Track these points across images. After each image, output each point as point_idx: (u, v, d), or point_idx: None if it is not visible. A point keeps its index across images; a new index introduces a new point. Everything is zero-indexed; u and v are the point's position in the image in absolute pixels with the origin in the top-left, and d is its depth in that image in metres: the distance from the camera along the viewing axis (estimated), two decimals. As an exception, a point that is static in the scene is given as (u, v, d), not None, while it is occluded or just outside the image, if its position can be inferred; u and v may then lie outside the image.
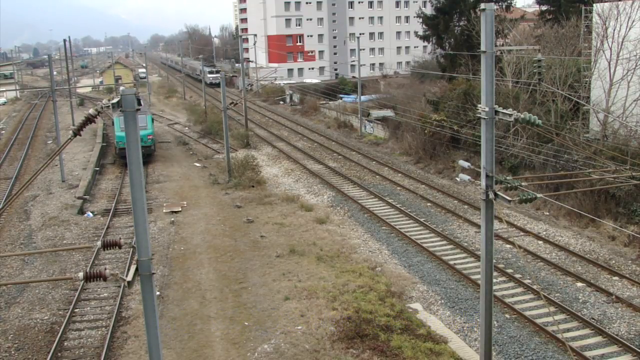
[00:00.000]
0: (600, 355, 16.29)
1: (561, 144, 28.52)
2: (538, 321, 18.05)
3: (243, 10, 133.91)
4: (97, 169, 40.34)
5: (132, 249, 23.85)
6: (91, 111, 8.42)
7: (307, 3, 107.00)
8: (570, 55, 34.45)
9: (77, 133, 8.46)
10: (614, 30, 31.16)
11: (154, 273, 9.30)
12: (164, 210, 30.28)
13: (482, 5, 11.28)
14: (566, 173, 27.33)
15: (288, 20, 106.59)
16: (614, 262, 22.82)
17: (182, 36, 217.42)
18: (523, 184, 12.07)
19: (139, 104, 9.04)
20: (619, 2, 31.84)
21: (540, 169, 31.22)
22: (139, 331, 17.72)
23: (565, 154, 28.94)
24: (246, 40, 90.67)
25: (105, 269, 8.92)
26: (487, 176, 11.82)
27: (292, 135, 52.89)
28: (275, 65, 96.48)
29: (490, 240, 12.28)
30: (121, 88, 9.91)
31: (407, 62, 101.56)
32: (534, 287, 20.08)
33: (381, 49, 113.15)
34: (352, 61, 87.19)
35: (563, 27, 37.39)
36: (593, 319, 18.26)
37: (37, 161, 43.39)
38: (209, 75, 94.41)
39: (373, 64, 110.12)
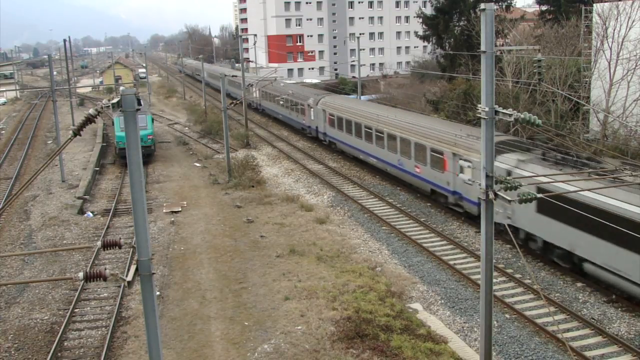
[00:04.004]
0: (600, 355, 16.28)
1: (561, 144, 28.52)
2: (538, 321, 18.05)
3: (243, 10, 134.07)
4: (97, 169, 40.34)
5: (132, 249, 23.84)
6: (91, 111, 8.42)
7: (307, 3, 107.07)
8: (570, 55, 34.47)
9: (77, 133, 8.47)
10: (614, 30, 31.19)
11: (154, 273, 9.30)
12: (164, 210, 30.27)
13: (482, 5, 11.28)
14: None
15: (288, 20, 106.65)
16: (614, 262, 22.78)
17: (182, 36, 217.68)
18: (523, 184, 12.06)
19: (139, 104, 9.08)
20: (619, 2, 31.85)
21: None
22: (139, 331, 17.71)
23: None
24: (246, 40, 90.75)
25: (105, 269, 8.91)
26: (487, 176, 11.82)
27: (292, 135, 52.88)
28: (275, 65, 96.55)
29: (490, 240, 12.28)
30: (121, 88, 9.93)
31: (407, 62, 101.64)
32: (534, 287, 20.08)
33: (381, 49, 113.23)
34: (352, 61, 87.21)
35: (563, 27, 37.43)
36: (593, 319, 18.25)
37: (37, 161, 43.38)
38: None
39: (373, 64, 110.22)
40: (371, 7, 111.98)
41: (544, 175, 18.41)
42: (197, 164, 42.05)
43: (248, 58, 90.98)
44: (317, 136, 45.30)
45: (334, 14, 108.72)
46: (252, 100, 65.50)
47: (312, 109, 45.05)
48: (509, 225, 22.05)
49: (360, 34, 71.38)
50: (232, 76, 64.80)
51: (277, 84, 58.98)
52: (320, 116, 43.44)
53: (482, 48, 11.56)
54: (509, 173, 21.42)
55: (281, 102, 54.31)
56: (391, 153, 32.92)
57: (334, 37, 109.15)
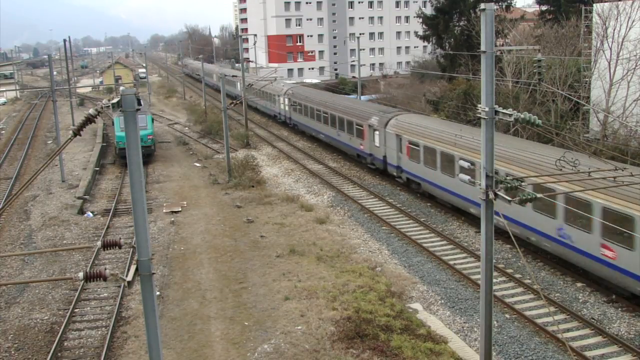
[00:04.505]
0: (600, 355, 16.28)
1: (561, 144, 28.53)
2: (538, 321, 18.05)
3: (243, 10, 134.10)
4: (97, 169, 40.34)
5: (132, 249, 23.85)
6: (91, 111, 8.42)
7: (307, 3, 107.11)
8: (570, 55, 34.49)
9: (77, 133, 8.47)
10: (614, 30, 31.21)
11: (154, 273, 9.30)
12: (164, 210, 30.27)
13: (482, 5, 11.28)
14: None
15: (288, 20, 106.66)
16: (614, 262, 22.77)
17: (182, 36, 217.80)
18: (523, 183, 12.07)
19: (139, 104, 9.06)
20: (619, 2, 31.87)
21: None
22: (139, 331, 17.72)
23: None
24: (246, 40, 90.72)
25: (105, 269, 8.91)
26: (487, 176, 11.82)
27: (292, 135, 52.88)
28: (275, 65, 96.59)
29: (490, 240, 12.27)
30: (121, 88, 9.92)
31: (407, 62, 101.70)
32: (534, 287, 20.08)
33: (381, 49, 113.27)
34: (352, 61, 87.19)
35: (563, 27, 37.46)
36: (593, 319, 18.25)
37: (37, 161, 43.39)
38: None
39: (373, 64, 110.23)
40: (371, 7, 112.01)
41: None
42: (197, 164, 42.06)
43: (248, 58, 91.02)
44: (384, 169, 34.22)
45: (334, 14, 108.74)
46: (279, 112, 55.68)
47: (376, 132, 34.25)
48: None
49: (360, 34, 71.41)
50: (233, 79, 58.66)
51: (316, 93, 49.85)
52: (391, 143, 32.44)
53: (482, 48, 11.55)
54: None
55: (324, 118, 42.98)
56: (546, 217, 20.93)
57: (334, 37, 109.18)
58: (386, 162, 33.85)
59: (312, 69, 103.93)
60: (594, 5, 34.03)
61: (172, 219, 28.68)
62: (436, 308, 19.53)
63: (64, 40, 57.50)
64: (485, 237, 12.22)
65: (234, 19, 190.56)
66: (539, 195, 12.27)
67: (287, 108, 53.01)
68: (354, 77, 76.09)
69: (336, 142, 41.80)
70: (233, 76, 63.26)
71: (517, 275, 21.51)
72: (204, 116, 59.09)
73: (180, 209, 30.49)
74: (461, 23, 51.74)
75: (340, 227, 27.36)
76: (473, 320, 18.46)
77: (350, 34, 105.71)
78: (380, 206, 30.73)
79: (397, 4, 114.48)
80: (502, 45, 43.55)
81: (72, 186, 35.24)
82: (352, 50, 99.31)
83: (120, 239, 9.24)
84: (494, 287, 14.80)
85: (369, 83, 76.84)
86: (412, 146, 30.29)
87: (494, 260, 12.73)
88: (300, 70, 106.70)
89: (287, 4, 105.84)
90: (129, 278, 8.84)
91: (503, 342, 17.11)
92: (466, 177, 14.46)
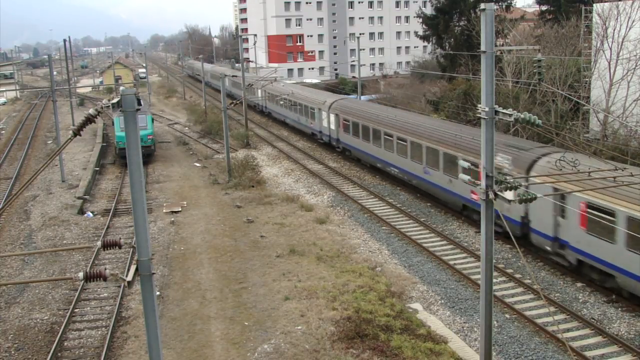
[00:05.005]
0: (600, 355, 16.28)
1: (561, 144, 28.53)
2: (538, 321, 18.05)
3: (243, 10, 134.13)
4: (97, 169, 40.34)
5: (132, 249, 23.85)
6: (91, 111, 8.43)
7: (307, 3, 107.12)
8: (570, 55, 34.49)
9: (77, 133, 8.47)
10: (614, 30, 31.23)
11: (154, 273, 9.30)
12: (164, 210, 30.27)
13: (482, 5, 11.28)
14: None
15: (288, 20, 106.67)
16: (614, 262, 22.74)
17: (182, 36, 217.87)
18: (523, 183, 12.06)
19: (139, 104, 9.07)
20: (619, 2, 31.89)
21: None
22: (139, 331, 17.72)
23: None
24: (246, 40, 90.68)
25: (105, 269, 8.92)
26: (487, 176, 11.82)
27: (292, 135, 52.88)
28: (275, 65, 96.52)
29: (490, 240, 12.27)
30: (121, 88, 9.93)
31: (407, 62, 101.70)
32: (534, 287, 20.08)
33: (381, 49, 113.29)
34: (352, 61, 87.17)
35: (563, 27, 37.47)
36: (593, 319, 18.25)
37: (37, 161, 43.38)
38: None
39: (373, 64, 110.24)
40: (371, 7, 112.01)
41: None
42: (197, 164, 42.05)
43: (248, 58, 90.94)
44: (524, 235, 22.61)
45: (334, 14, 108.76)
46: (320, 130, 44.62)
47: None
48: None
49: (360, 34, 71.38)
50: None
51: (383, 110, 37.45)
52: (543, 201, 19.58)
53: (482, 48, 11.55)
54: None
55: (399, 147, 32.13)
56: None
57: (334, 37, 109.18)
58: (528, 226, 22.30)
59: (312, 69, 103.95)
60: (594, 5, 34.05)
61: (172, 219, 28.68)
62: (436, 308, 19.53)
63: (64, 40, 57.51)
64: (485, 237, 12.22)
65: (234, 19, 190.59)
66: (539, 195, 12.27)
67: (333, 127, 41.99)
68: (354, 77, 76.07)
69: (420, 182, 30.36)
70: (233, 76, 62.67)
71: (517, 275, 21.52)
72: (204, 116, 59.10)
73: (180, 209, 30.49)
74: (461, 23, 51.78)
75: (340, 227, 27.36)
76: (473, 320, 18.46)
77: (350, 34, 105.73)
78: (380, 206, 30.73)
79: (397, 4, 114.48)
80: (502, 45, 43.57)
81: (72, 186, 35.24)
82: (352, 50, 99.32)
83: (120, 239, 9.25)
84: (494, 287, 14.80)
85: (369, 83, 76.87)
86: (595, 214, 18.65)
87: (494, 260, 12.72)
88: (300, 70, 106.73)
89: (287, 4, 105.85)
90: (129, 278, 8.85)
91: (503, 342, 17.11)
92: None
